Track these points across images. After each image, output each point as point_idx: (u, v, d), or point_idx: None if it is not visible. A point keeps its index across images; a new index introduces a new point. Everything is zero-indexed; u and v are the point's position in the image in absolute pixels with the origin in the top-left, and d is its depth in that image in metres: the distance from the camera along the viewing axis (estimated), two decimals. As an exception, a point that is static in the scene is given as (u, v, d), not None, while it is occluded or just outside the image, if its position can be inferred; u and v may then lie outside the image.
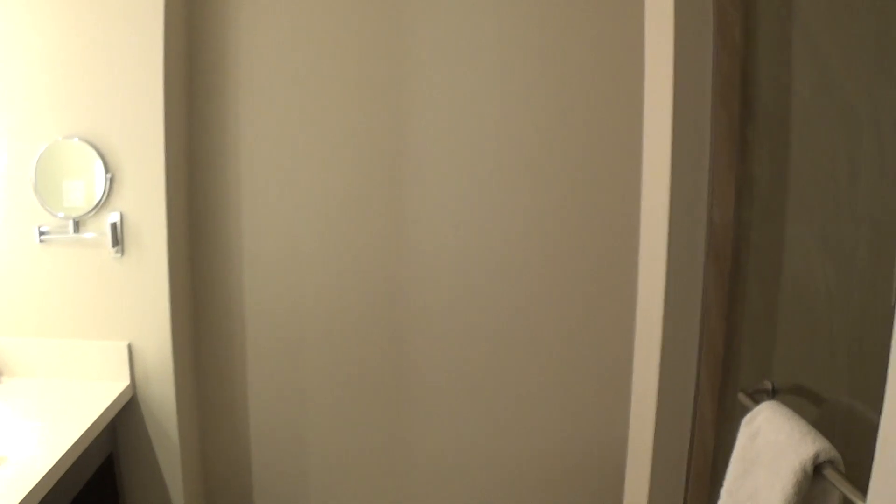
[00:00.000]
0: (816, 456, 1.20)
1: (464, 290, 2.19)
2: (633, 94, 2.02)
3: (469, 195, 2.13)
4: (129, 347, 2.00)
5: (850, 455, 1.20)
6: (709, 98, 1.68)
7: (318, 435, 2.28)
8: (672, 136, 1.70)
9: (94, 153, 1.91)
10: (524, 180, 2.11)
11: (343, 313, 2.21)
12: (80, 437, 1.68)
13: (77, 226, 1.94)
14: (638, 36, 1.98)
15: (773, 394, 1.50)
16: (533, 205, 2.13)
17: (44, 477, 1.50)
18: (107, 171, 1.93)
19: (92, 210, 1.93)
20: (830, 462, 1.19)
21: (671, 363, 1.78)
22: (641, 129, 1.91)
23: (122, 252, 1.95)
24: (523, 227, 2.15)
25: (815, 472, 1.21)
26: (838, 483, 1.16)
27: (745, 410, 1.46)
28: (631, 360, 2.04)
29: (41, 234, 1.92)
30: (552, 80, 2.05)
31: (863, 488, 1.06)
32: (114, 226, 1.92)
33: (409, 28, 2.05)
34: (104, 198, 1.93)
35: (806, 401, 1.40)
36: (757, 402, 1.45)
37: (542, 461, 2.26)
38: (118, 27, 1.86)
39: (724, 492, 1.44)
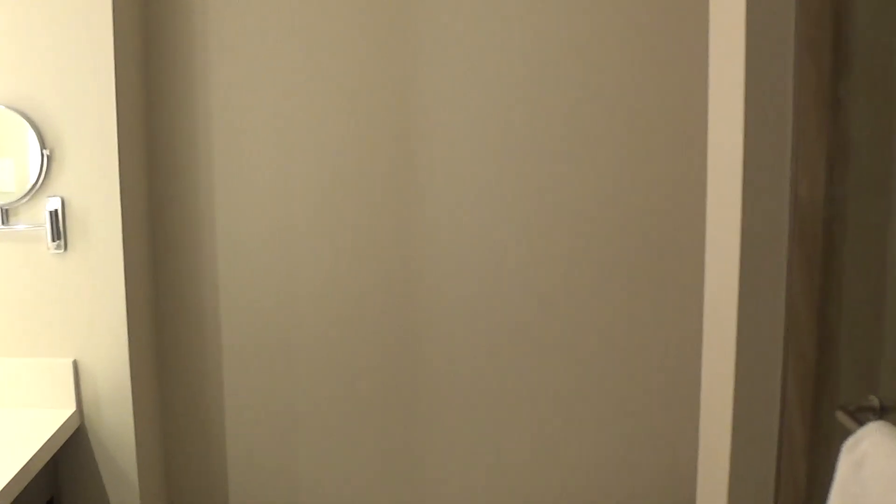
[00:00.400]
0: (940, 488, 1.10)
1: (487, 288, 2.10)
2: (694, 42, 1.95)
3: (491, 172, 2.06)
4: (75, 365, 1.86)
5: None
6: (792, 45, 1.56)
7: (311, 465, 2.18)
8: (745, 95, 1.57)
9: (27, 124, 1.75)
10: (560, 149, 2.04)
11: (340, 318, 2.12)
12: (9, 483, 1.53)
13: (6, 215, 1.80)
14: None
15: (882, 412, 1.38)
16: (571, 180, 2.05)
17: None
18: (43, 146, 1.76)
19: (25, 196, 1.78)
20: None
21: (749, 374, 1.65)
22: (705, 85, 1.78)
23: (65, 247, 1.81)
24: (560, 206, 2.06)
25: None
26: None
27: (845, 433, 1.36)
28: (697, 371, 1.90)
29: (-41, 225, 1.77)
30: (596, 26, 1.98)
31: None
32: (53, 214, 1.77)
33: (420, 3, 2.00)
34: (41, 180, 1.78)
35: (924, 419, 1.31)
36: (861, 422, 1.35)
37: (588, 496, 2.18)
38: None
39: (821, 536, 1.36)
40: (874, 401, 1.41)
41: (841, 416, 1.42)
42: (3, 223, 1.78)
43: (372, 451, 2.20)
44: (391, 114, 2.05)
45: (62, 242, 1.80)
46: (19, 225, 1.79)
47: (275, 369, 2.16)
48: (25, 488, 1.66)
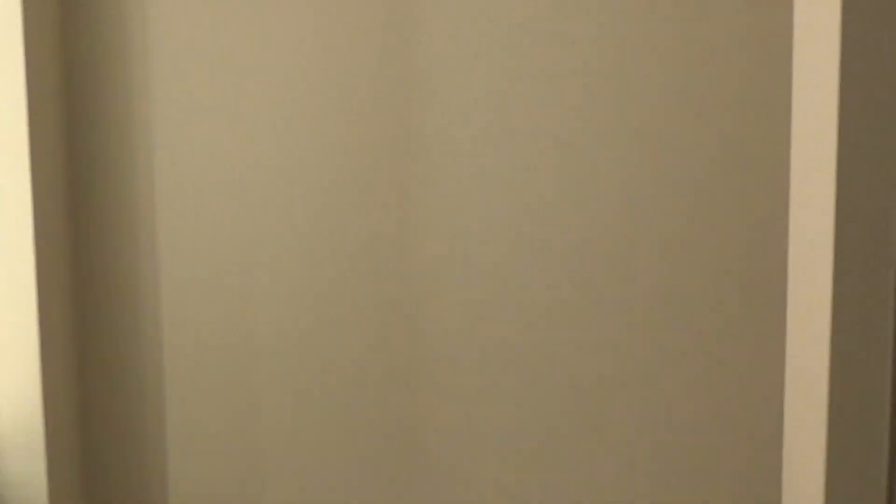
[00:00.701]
0: None
1: (510, 306, 1.88)
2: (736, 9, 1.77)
3: (515, 165, 1.86)
4: None
5: None
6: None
7: None
8: (840, 71, 1.42)
9: None
10: (590, 150, 1.85)
11: (322, 340, 1.91)
12: None
13: None
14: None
15: None
16: (622, 177, 1.85)
17: None
18: None
19: None
20: None
21: (846, 412, 1.51)
22: (789, 40, 1.65)
23: None
24: (608, 211, 1.85)
25: None
26: None
27: None
28: (779, 409, 1.75)
29: None
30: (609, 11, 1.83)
31: None
32: None
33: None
34: None
35: None
36: None
37: None
38: None
39: None
40: None
41: None
42: None
43: (351, 483, 1.98)
44: (373, 95, 1.88)
45: None
46: None
47: (233, 402, 1.96)
48: None
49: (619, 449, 1.92)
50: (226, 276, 1.91)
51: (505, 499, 1.95)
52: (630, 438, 1.92)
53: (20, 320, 1.71)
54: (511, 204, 1.86)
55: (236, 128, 1.88)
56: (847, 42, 1.44)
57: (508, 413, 1.92)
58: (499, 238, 1.87)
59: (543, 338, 1.89)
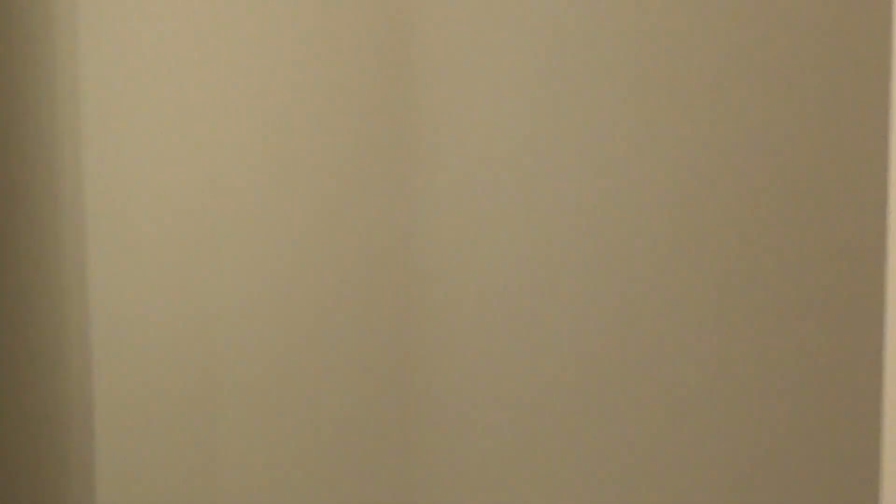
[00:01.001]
0: None
1: (515, 316, 1.70)
2: None
3: (515, 164, 1.68)
4: None
5: None
6: None
7: None
8: None
9: None
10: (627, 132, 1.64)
11: (294, 369, 1.75)
12: None
13: None
14: None
15: None
16: (628, 172, 1.66)
17: None
18: None
19: None
20: None
21: None
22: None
23: None
24: (614, 209, 1.66)
25: None
26: None
27: None
28: (878, 442, 1.58)
29: None
30: None
31: None
32: None
33: None
34: None
35: None
36: None
37: None
38: None
39: None
40: None
41: None
42: None
43: None
44: (353, 83, 1.70)
45: None
46: None
47: (177, 435, 1.76)
48: None
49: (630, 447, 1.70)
50: (169, 292, 1.73)
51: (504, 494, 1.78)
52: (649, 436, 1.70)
53: None
54: (512, 203, 1.66)
55: (177, 127, 1.71)
56: None
57: (511, 415, 1.72)
58: (500, 240, 1.68)
59: (548, 338, 1.68)
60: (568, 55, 1.64)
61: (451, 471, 1.74)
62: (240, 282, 1.73)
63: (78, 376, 1.78)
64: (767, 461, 1.69)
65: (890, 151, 1.42)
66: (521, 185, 1.68)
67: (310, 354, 1.74)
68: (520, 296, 1.68)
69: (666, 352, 1.67)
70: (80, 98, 1.73)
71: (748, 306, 1.64)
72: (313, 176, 1.71)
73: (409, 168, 1.72)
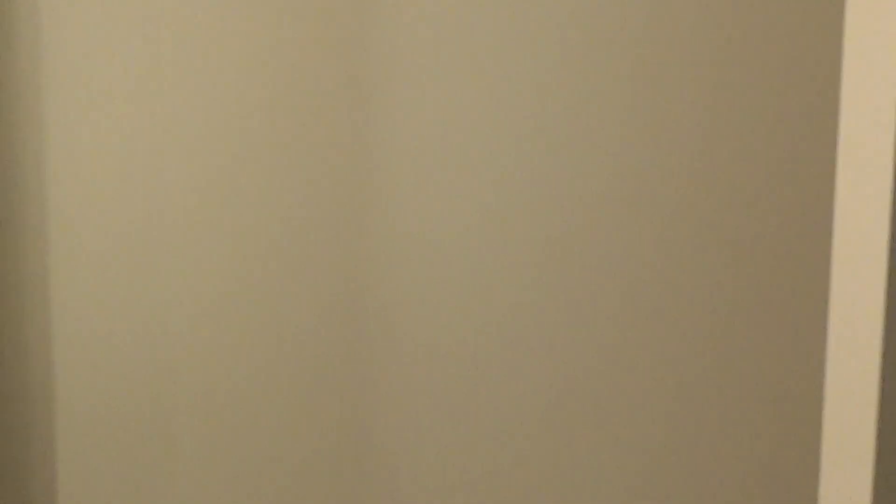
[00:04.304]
0: None
1: (488, 320, 1.70)
2: None
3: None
4: None
5: None
6: None
7: None
8: None
9: None
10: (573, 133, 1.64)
11: (254, 372, 1.76)
12: None
13: None
14: None
15: None
16: (601, 173, 1.67)
17: None
18: None
19: None
20: None
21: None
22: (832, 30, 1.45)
23: None
24: (613, 204, 1.65)
25: None
26: None
27: None
28: (817, 433, 1.57)
29: None
30: None
31: None
32: None
33: None
34: None
35: None
36: None
37: None
38: None
39: None
40: None
41: None
42: None
43: None
44: (322, 81, 1.71)
45: None
46: None
47: (138, 449, 1.80)
48: None
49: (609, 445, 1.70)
50: (127, 291, 1.76)
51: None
52: (623, 436, 1.69)
53: None
54: (478, 199, 1.65)
55: (138, 125, 1.73)
56: None
57: (476, 413, 1.70)
58: (466, 236, 1.66)
59: (516, 337, 1.67)
60: (534, 66, 1.62)
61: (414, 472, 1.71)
62: (197, 283, 1.74)
63: (40, 378, 1.78)
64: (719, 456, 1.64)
65: (838, 160, 1.43)
66: (491, 185, 1.65)
67: (268, 356, 1.73)
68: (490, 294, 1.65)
69: (621, 349, 1.66)
70: (43, 97, 1.74)
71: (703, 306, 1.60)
72: (273, 177, 1.70)
73: (374, 165, 1.69)
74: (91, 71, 1.73)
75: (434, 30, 1.64)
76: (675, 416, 1.69)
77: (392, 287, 1.69)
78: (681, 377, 1.66)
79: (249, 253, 1.72)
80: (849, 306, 1.47)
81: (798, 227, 1.59)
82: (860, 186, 1.50)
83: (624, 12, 1.57)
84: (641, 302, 1.62)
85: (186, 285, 1.75)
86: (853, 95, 1.59)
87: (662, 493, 1.67)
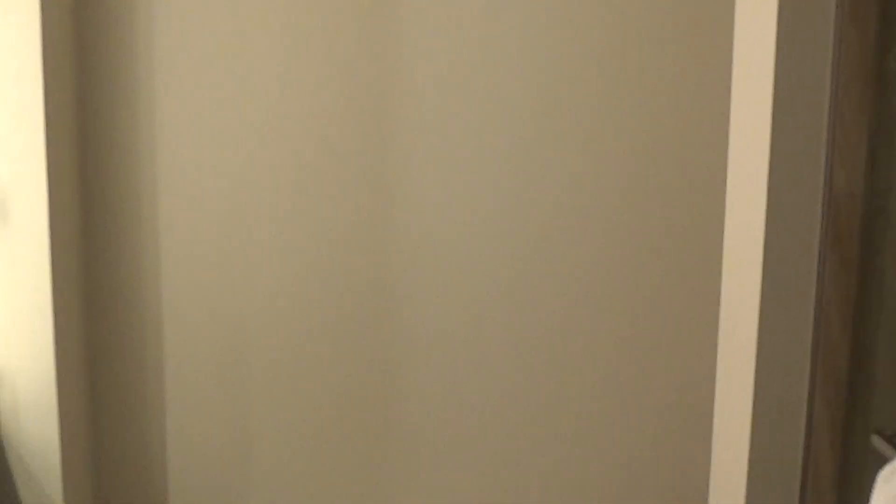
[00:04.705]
0: None
1: (477, 295, 1.97)
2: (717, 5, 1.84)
3: (488, 163, 1.93)
4: None
5: None
6: (832, 12, 1.50)
7: (263, 489, 2.08)
8: (775, 69, 1.51)
9: None
10: (562, 136, 1.91)
11: (303, 334, 2.00)
12: None
13: None
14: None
15: None
16: (575, 172, 1.93)
17: None
18: None
19: None
20: None
21: (770, 393, 1.60)
22: (726, 58, 1.73)
23: None
24: (561, 202, 1.93)
25: None
26: None
27: (882, 460, 1.35)
28: (711, 386, 1.84)
29: None
30: (571, 25, 1.88)
31: None
32: None
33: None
34: None
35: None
36: None
37: None
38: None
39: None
40: None
41: (877, 441, 1.42)
42: None
43: (339, 482, 2.09)
44: (367, 104, 1.95)
45: None
46: None
47: (225, 385, 2.05)
48: None
49: (573, 421, 2.01)
50: (219, 267, 2.00)
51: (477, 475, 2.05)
52: (576, 413, 2.01)
53: (36, 313, 1.82)
54: (478, 199, 1.94)
55: (232, 134, 1.95)
56: (779, 74, 1.51)
57: (475, 394, 2.01)
58: (467, 229, 1.95)
59: (508, 321, 1.98)
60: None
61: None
62: (269, 273, 2.00)
63: (153, 341, 2.03)
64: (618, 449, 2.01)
65: (728, 169, 1.74)
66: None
67: (317, 329, 2.00)
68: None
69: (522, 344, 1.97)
70: (156, 125, 1.96)
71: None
72: (320, 190, 1.96)
73: (392, 178, 1.96)
74: (195, 90, 1.93)
75: (445, 75, 1.93)
76: (577, 406, 2.01)
77: (410, 271, 1.98)
78: (580, 374, 2.00)
79: (306, 242, 1.97)
80: (733, 298, 1.73)
81: (690, 230, 1.92)
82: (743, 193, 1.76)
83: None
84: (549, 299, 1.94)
85: (262, 264, 1.99)
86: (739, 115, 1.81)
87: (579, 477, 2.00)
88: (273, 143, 1.96)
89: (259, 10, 1.92)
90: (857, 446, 1.56)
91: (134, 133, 1.96)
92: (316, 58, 1.95)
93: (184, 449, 2.07)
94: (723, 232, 1.80)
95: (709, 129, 1.88)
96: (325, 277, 2.00)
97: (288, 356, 2.03)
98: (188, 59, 1.94)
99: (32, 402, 1.83)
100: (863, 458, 1.55)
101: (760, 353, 1.61)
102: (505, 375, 2.01)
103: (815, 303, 1.58)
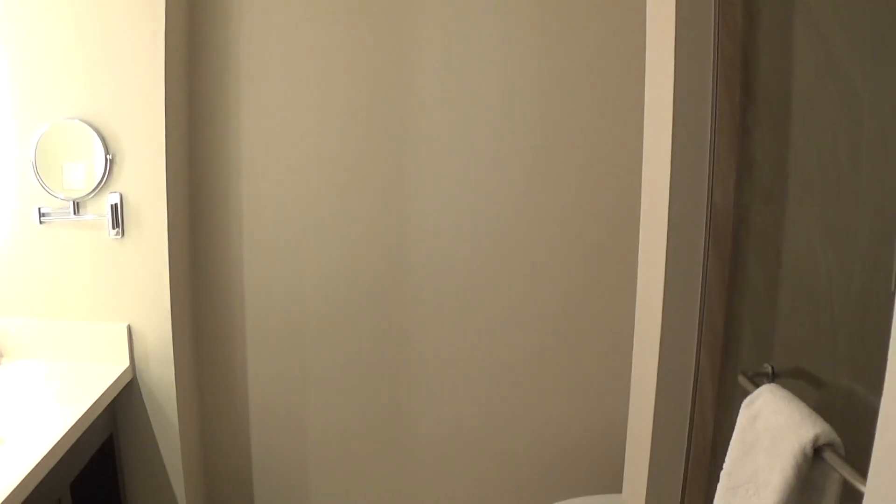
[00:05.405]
0: (816, 439, 1.18)
1: (464, 276, 2.20)
2: (634, 80, 2.03)
3: (469, 185, 2.15)
4: (129, 329, 1.98)
5: (851, 438, 1.17)
6: (710, 83, 1.63)
7: (318, 419, 2.27)
8: (673, 122, 1.63)
9: (95, 134, 1.90)
10: (523, 168, 2.14)
11: (344, 299, 2.22)
12: (79, 419, 1.67)
13: (77, 207, 1.92)
14: (639, 20, 1.97)
15: (774, 377, 1.47)
16: (532, 191, 2.15)
17: (43, 458, 1.49)
18: (107, 152, 1.91)
19: (92, 191, 1.92)
20: (830, 445, 1.18)
21: (671, 345, 1.72)
22: (642, 113, 1.89)
23: (122, 234, 1.94)
24: (522, 212, 2.17)
25: (815, 455, 1.19)
26: (838, 466, 1.14)
27: (745, 393, 1.44)
28: (630, 343, 2.03)
29: (42, 215, 1.90)
30: (553, 72, 2.07)
31: (863, 471, 1.04)
32: (114, 207, 1.91)
33: (413, 25, 2.05)
34: (104, 179, 1.91)
35: (806, 384, 1.38)
36: (757, 384, 1.43)
37: (542, 443, 2.29)
38: (121, 11, 1.85)
39: (723, 474, 1.43)
40: (768, 368, 1.48)
41: (742, 380, 1.49)
42: (75, 213, 1.93)
43: (368, 406, 2.27)
44: (386, 147, 2.12)
45: (120, 230, 1.93)
46: (87, 215, 1.93)
47: (289, 338, 2.23)
48: (91, 425, 1.79)
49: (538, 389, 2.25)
50: (284, 250, 2.17)
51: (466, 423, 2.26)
52: (541, 366, 2.24)
53: (158, 289, 1.98)
54: (468, 200, 2.15)
55: (293, 160, 2.13)
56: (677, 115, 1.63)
57: (471, 365, 2.23)
58: (466, 238, 2.17)
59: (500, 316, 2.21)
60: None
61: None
62: (321, 261, 2.17)
63: (238, 308, 2.18)
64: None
65: (642, 190, 1.88)
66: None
67: (354, 291, 2.19)
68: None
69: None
70: (241, 152, 2.10)
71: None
72: (354, 195, 2.13)
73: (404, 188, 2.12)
74: (272, 118, 2.10)
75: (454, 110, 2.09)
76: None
77: (419, 253, 2.16)
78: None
79: (346, 232, 2.15)
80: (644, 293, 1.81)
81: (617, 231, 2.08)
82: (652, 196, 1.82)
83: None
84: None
85: (314, 245, 2.16)
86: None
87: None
88: (321, 167, 2.12)
89: (316, 79, 2.06)
90: (728, 383, 1.67)
91: (225, 162, 2.12)
92: (355, 102, 2.09)
93: (261, 384, 2.23)
94: (638, 235, 1.87)
95: (630, 163, 2.09)
96: (363, 256, 2.17)
97: (335, 309, 2.20)
98: (264, 114, 2.10)
99: (156, 352, 1.99)
100: (732, 391, 1.63)
101: (665, 318, 1.68)
102: (487, 328, 2.22)
103: (701, 283, 1.68)
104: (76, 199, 1.92)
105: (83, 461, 1.75)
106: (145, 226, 1.93)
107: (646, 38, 1.81)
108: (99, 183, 1.92)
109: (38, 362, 1.96)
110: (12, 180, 1.92)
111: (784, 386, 1.39)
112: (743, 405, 1.41)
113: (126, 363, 1.99)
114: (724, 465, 1.43)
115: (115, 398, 1.96)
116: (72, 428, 1.63)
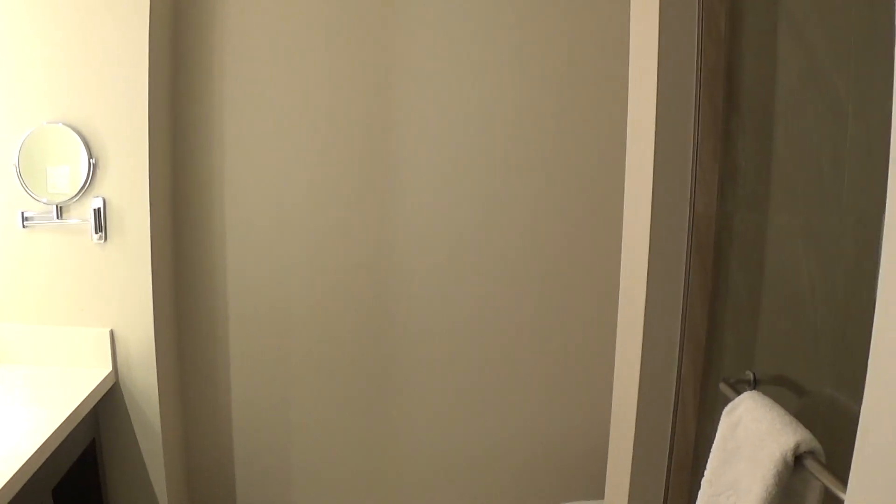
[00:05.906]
0: (797, 446, 1.19)
1: (449, 285, 2.22)
2: (617, 87, 2.04)
3: (453, 187, 2.16)
4: (112, 334, 1.99)
5: (831, 446, 1.18)
6: (693, 89, 1.63)
7: (302, 423, 2.28)
8: (656, 128, 1.64)
9: (78, 138, 1.89)
10: (508, 175, 2.15)
11: (328, 302, 2.22)
12: (61, 424, 1.67)
13: (60, 211, 1.92)
14: (622, 28, 1.99)
15: (755, 384, 1.48)
16: (516, 195, 2.17)
17: (24, 464, 1.49)
18: (90, 156, 1.90)
19: (76, 195, 1.91)
20: (811, 453, 1.18)
21: (653, 352, 1.74)
22: (625, 121, 1.86)
23: (105, 238, 1.94)
24: (506, 217, 2.18)
25: (796, 463, 1.20)
26: (819, 474, 1.15)
27: (726, 400, 1.45)
28: (613, 350, 1.99)
29: (25, 219, 1.90)
30: (536, 74, 2.08)
31: (843, 479, 1.05)
32: (97, 211, 1.91)
33: (398, 26, 2.06)
34: (87, 183, 1.91)
35: (787, 391, 1.39)
36: (738, 392, 1.44)
37: (525, 450, 2.30)
38: (104, 15, 1.85)
39: (704, 481, 1.43)
40: (749, 375, 1.49)
41: (723, 387, 1.50)
42: (58, 218, 1.92)
43: (353, 413, 2.28)
44: (373, 154, 2.14)
45: (103, 234, 1.94)
46: (71, 219, 1.93)
47: (273, 346, 2.24)
48: (73, 430, 1.78)
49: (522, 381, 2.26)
50: (268, 253, 2.18)
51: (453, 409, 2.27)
52: (524, 369, 2.25)
53: (141, 293, 1.98)
54: (459, 215, 2.17)
55: (278, 169, 2.14)
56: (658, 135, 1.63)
57: (454, 360, 2.25)
58: (450, 241, 2.19)
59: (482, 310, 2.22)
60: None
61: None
62: (305, 264, 2.17)
63: (221, 312, 2.18)
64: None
65: (625, 196, 1.83)
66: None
67: (339, 292, 2.19)
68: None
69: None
70: (225, 159, 2.10)
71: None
72: (340, 194, 2.14)
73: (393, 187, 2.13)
74: (254, 122, 2.10)
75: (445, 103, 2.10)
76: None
77: (404, 254, 2.17)
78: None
79: (331, 234, 2.15)
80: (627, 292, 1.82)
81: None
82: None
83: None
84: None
85: (296, 248, 2.16)
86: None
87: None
88: (305, 171, 2.13)
89: (299, 77, 2.07)
90: (710, 390, 1.67)
91: (208, 166, 2.12)
92: (345, 107, 2.10)
93: (245, 390, 2.24)
94: (621, 241, 1.88)
95: (614, 167, 2.11)
96: (345, 256, 2.18)
97: (318, 310, 2.21)
98: (247, 118, 2.11)
99: (138, 357, 1.98)
100: (714, 398, 1.63)
101: (647, 325, 1.69)
102: (470, 334, 2.23)
103: (684, 290, 1.68)
104: (59, 203, 1.92)
105: (65, 466, 1.74)
106: (128, 230, 1.94)
107: (630, 43, 1.82)
108: (82, 187, 1.92)
109: (20, 367, 1.96)
110: (-5, 184, 1.92)
111: (766, 393, 1.39)
112: (724, 412, 1.41)
113: (108, 368, 1.98)
114: (706, 473, 1.44)
115: (97, 403, 1.95)
116: (53, 433, 1.62)
